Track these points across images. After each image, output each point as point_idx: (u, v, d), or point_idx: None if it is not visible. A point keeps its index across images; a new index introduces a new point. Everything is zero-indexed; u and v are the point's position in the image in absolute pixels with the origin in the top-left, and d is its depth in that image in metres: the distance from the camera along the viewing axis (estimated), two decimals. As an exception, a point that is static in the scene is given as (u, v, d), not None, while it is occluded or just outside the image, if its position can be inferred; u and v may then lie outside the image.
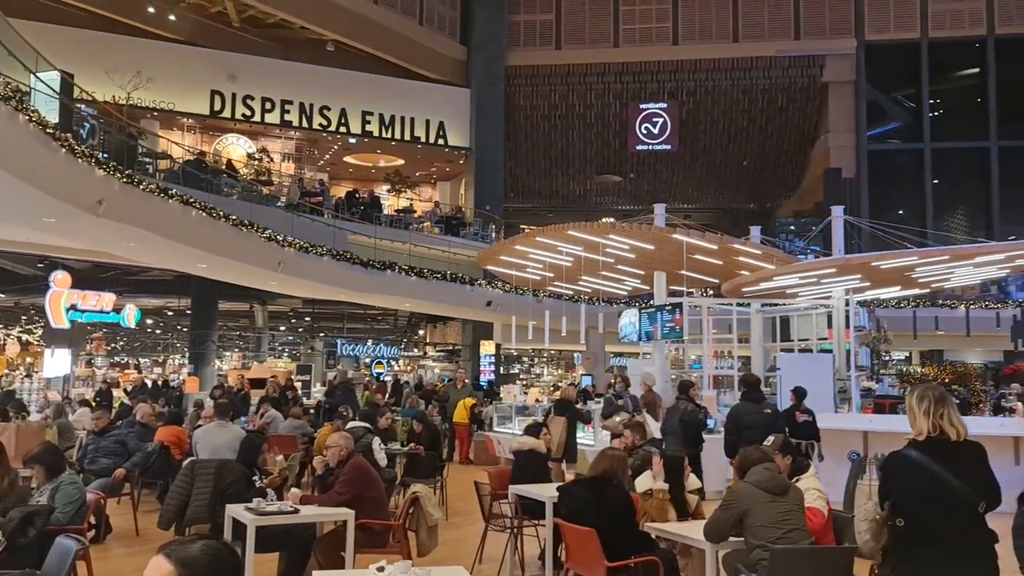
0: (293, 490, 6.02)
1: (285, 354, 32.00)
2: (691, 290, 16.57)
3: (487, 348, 24.32)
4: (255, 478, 6.48)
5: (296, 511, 5.64)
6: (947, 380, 15.13)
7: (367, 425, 9.36)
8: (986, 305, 21.86)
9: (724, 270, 14.63)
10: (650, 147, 27.45)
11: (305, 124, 24.86)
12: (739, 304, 15.24)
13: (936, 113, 27.31)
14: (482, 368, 24.00)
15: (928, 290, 18.49)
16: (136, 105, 21.77)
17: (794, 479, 5.29)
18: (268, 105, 24.31)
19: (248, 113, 24.08)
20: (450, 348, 28.97)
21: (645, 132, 27.30)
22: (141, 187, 13.22)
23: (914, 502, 3.38)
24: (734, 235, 14.78)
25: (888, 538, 3.43)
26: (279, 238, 16.65)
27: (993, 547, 3.37)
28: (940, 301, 22.07)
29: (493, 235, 24.07)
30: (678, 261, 12.90)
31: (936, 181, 27.01)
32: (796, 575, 4.35)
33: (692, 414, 9.50)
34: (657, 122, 27.23)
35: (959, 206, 28.15)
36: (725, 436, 9.38)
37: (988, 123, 26.61)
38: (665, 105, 27.20)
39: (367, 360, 27.58)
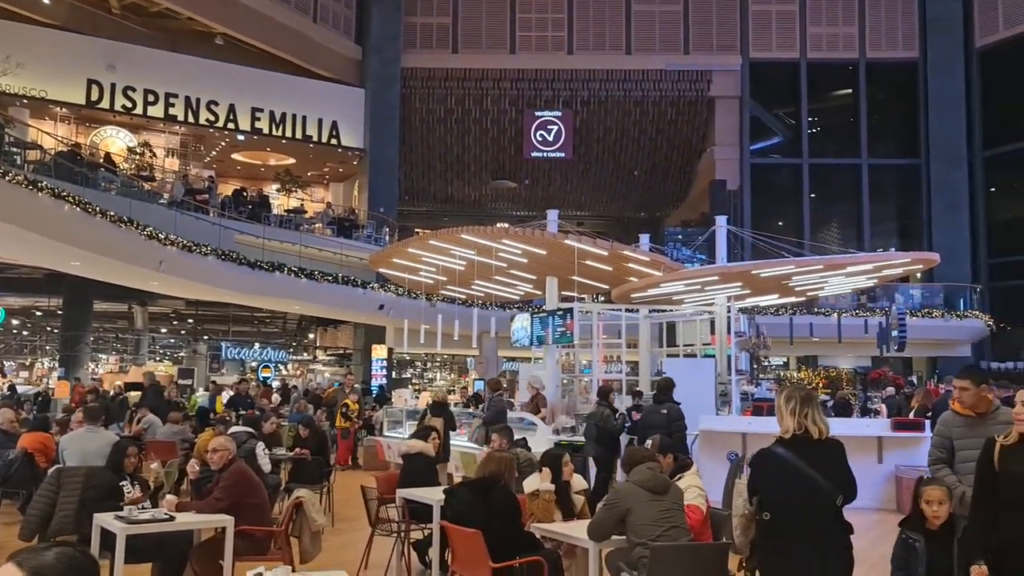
0: (168, 497, 5.78)
1: (167, 357, 30.74)
2: (582, 296, 16.84)
3: (379, 352, 24.06)
4: (123, 484, 6.18)
5: (171, 519, 5.42)
6: (821, 384, 15.89)
7: (250, 430, 9.10)
8: (855, 313, 23.14)
9: (614, 276, 14.94)
10: (545, 154, 27.80)
11: (191, 119, 23.97)
12: (628, 310, 15.58)
13: (814, 130, 28.77)
14: (373, 372, 23.72)
15: (804, 298, 19.45)
16: (4, 92, 20.50)
17: (676, 477, 5.46)
18: (151, 98, 23.32)
19: (129, 105, 23.02)
20: (341, 352, 28.51)
21: (540, 139, 27.63)
22: (7, 178, 12.44)
23: (779, 496, 3.63)
24: (624, 242, 15.13)
25: (755, 532, 3.67)
26: (161, 236, 16.00)
27: (849, 538, 3.68)
28: (815, 309, 23.23)
29: (387, 238, 23.84)
30: (570, 267, 13.09)
31: (813, 195, 28.42)
32: (675, 571, 4.47)
33: (607, 419, 9.70)
34: (552, 129, 27.61)
35: (833, 219, 29.71)
36: (629, 437, 9.64)
37: (860, 141, 28.21)
38: (560, 113, 27.62)
39: (253, 364, 26.81)
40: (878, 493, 10.70)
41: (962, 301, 25.24)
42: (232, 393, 15.85)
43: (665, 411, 9.64)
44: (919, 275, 25.24)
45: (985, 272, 26.83)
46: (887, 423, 11.67)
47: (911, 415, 12.50)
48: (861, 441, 10.83)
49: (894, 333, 18.80)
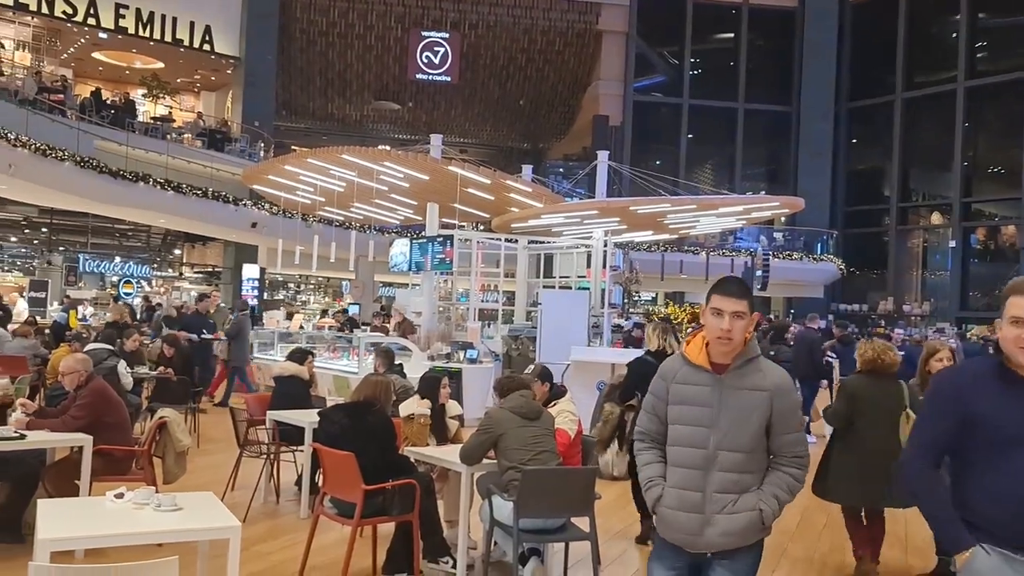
0: (16, 415, 5.45)
1: (16, 268, 28.75)
2: (463, 224, 16.81)
3: (250, 272, 23.36)
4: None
5: (21, 437, 5.13)
6: (687, 319, 16.58)
7: (110, 347, 8.70)
8: (723, 253, 24.14)
9: (495, 206, 14.97)
10: (430, 77, 27.19)
11: (45, 10, 22.01)
12: (507, 240, 15.69)
13: (695, 72, 29.33)
14: (244, 293, 23.03)
15: (677, 235, 20.12)
16: None
17: (551, 404, 5.59)
18: (-1, -18, 21.24)
19: (-27, -11, 20.91)
20: (209, 270, 27.53)
21: (426, 61, 26.97)
22: None
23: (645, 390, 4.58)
24: (507, 172, 15.13)
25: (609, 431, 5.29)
26: (10, 136, 14.78)
27: None
28: (685, 247, 24.08)
29: (261, 154, 22.97)
30: (452, 193, 13.01)
31: (690, 135, 29.16)
32: (544, 494, 4.61)
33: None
34: (438, 52, 26.97)
35: (708, 160, 30.67)
36: None
37: (737, 86, 29.00)
38: (447, 35, 26.98)
39: (114, 279, 25.49)
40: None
41: (819, 245, 26.78)
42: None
43: (773, 354, 9.92)
44: (783, 219, 26.57)
45: (841, 218, 28.46)
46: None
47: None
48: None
49: (758, 272, 19.75)
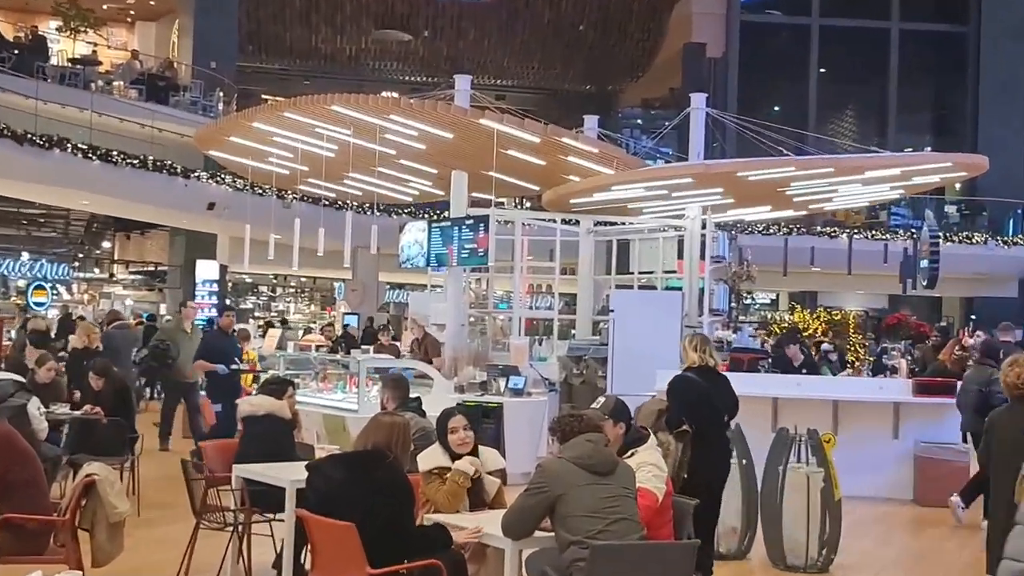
0: None
1: None
2: (501, 200, 16.82)
3: (207, 271, 23.64)
4: None
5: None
6: (821, 330, 16.42)
7: (18, 378, 8.86)
8: (872, 236, 23.84)
9: (547, 174, 14.96)
10: (453, -5, 27.37)
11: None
12: (565, 221, 15.66)
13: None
14: (199, 300, 23.28)
15: (805, 212, 19.91)
16: None
17: (628, 453, 5.56)
18: None
19: None
20: (151, 270, 27.93)
21: (446, -28, 27.14)
22: None
23: (698, 409, 6.68)
24: (563, 126, 15.10)
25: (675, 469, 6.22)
26: None
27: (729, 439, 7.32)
28: (818, 229, 23.83)
29: (220, 106, 23.30)
30: (486, 158, 13.02)
31: (823, 70, 28.88)
32: (622, 578, 4.60)
33: (994, 384, 9.65)
34: (464, -41, 27.12)
35: (848, 105, 30.34)
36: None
37: (891, -3, 28.70)
38: (476, -65, 27.13)
39: (21, 283, 25.97)
40: (889, 478, 11.17)
41: (1011, 223, 26.29)
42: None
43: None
44: (958, 186, 26.12)
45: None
46: (906, 384, 12.16)
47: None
48: (871, 409, 11.25)
49: (923, 263, 19.44)
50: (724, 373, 7.89)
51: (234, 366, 12.13)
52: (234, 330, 13.18)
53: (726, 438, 7.23)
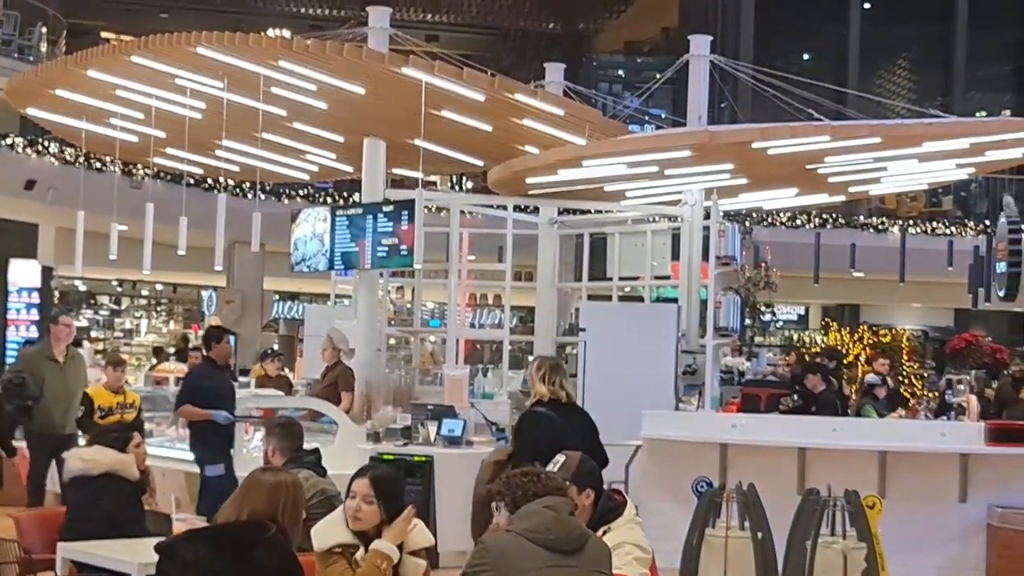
0: None
1: None
2: (432, 178, 16.85)
3: (23, 275, 23.45)
4: None
5: None
6: (866, 356, 16.62)
7: None
8: (932, 229, 24.10)
9: (494, 144, 15.02)
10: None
11: None
12: (519, 209, 15.73)
13: None
14: (10, 315, 23.08)
15: (843, 198, 20.09)
16: None
17: (600, 528, 5.60)
18: None
19: None
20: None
21: None
22: None
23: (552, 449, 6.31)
24: (517, 78, 15.17)
25: None
26: None
27: None
28: (860, 220, 24.06)
29: (43, 48, 23.28)
30: (410, 121, 13.07)
31: (867, 6, 29.22)
32: None
33: None
34: None
35: (901, 54, 30.70)
36: None
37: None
38: None
39: None
40: (954, 555, 11.26)
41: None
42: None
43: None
44: (1048, 163, 26.52)
45: None
46: (977, 429, 12.23)
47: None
48: (930, 462, 11.32)
49: (1001, 267, 19.66)
50: (582, 408, 8.76)
51: (239, 413, 11.48)
52: (229, 365, 12.36)
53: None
